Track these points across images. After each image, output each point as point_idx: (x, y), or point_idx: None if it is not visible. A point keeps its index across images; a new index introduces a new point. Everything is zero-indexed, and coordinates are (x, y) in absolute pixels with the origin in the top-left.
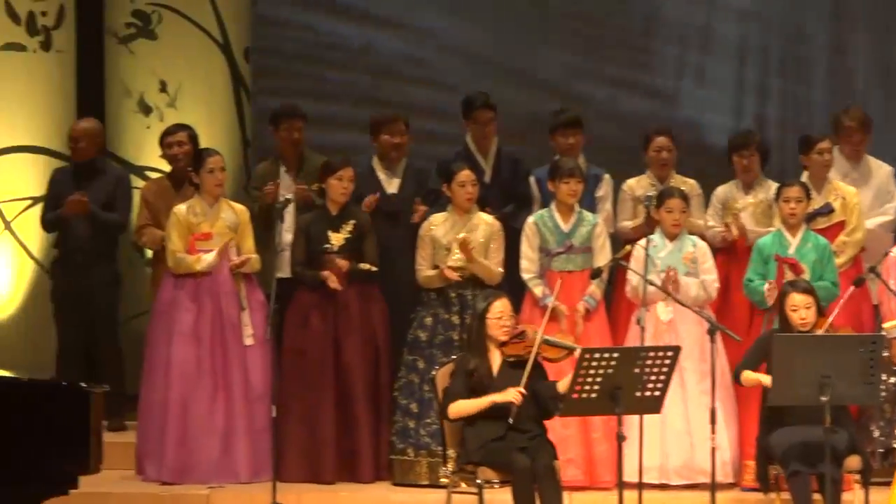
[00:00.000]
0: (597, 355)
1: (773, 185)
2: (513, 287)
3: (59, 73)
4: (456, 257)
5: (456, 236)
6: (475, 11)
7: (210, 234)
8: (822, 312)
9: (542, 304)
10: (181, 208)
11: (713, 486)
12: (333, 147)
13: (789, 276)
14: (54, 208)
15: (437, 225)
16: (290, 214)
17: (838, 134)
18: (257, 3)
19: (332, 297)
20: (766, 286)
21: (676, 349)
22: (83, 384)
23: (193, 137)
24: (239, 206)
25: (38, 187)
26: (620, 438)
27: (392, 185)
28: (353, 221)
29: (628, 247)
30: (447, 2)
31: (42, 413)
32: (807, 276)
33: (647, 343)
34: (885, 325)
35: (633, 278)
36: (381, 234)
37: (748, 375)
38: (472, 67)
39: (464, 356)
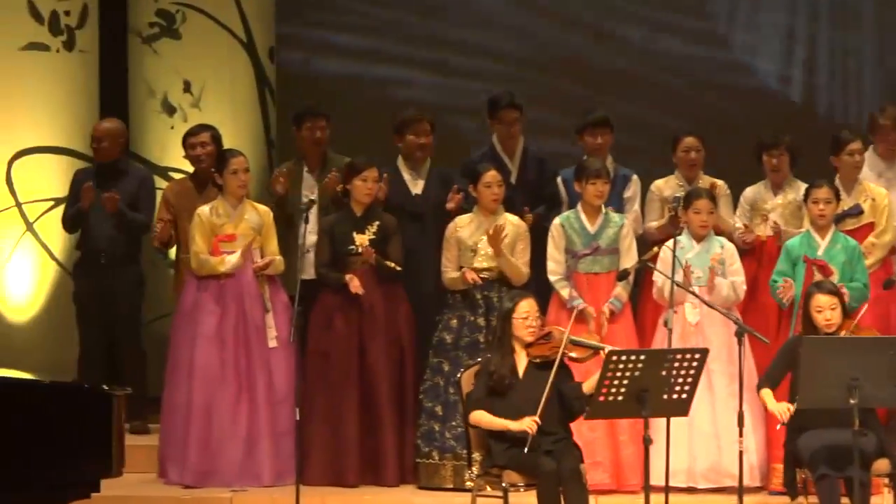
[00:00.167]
0: (623, 357)
1: (803, 186)
2: (539, 288)
3: (83, 73)
4: (481, 257)
5: (481, 237)
6: None
7: (234, 235)
8: (847, 314)
9: (570, 307)
10: (204, 209)
11: (740, 490)
12: None
13: (818, 277)
14: None
15: (463, 226)
16: (313, 215)
17: (873, 133)
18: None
19: (357, 299)
20: (781, 284)
21: (704, 351)
22: (105, 387)
23: (217, 138)
24: (262, 208)
25: (61, 188)
26: (647, 442)
27: (417, 186)
28: (377, 223)
29: (655, 248)
30: None
31: (64, 416)
32: (836, 277)
33: (675, 345)
34: None
35: (659, 280)
36: (405, 235)
37: (764, 395)
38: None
39: (488, 357)
